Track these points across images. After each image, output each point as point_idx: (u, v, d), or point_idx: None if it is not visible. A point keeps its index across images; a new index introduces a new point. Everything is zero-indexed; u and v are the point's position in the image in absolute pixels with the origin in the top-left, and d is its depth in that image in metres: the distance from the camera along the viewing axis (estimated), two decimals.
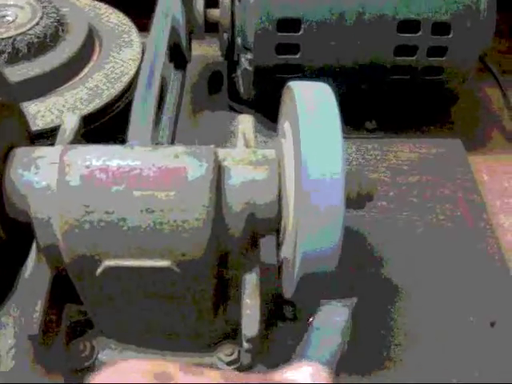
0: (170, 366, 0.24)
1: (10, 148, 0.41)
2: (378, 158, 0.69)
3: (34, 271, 0.43)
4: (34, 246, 0.43)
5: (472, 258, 0.59)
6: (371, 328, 0.52)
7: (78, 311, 0.48)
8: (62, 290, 0.44)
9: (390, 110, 0.72)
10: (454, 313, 0.54)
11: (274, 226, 0.41)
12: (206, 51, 0.82)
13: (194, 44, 0.73)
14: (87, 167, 0.37)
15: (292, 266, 0.38)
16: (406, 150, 0.70)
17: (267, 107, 0.58)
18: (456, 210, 0.63)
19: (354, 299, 0.38)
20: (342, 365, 0.34)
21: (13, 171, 0.40)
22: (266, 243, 0.44)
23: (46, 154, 0.40)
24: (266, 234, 0.42)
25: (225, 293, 0.47)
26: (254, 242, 0.42)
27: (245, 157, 0.41)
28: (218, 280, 0.43)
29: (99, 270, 0.38)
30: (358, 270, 0.56)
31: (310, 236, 0.34)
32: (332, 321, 0.36)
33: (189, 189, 0.37)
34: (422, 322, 0.53)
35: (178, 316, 0.45)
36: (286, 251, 0.40)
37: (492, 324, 0.53)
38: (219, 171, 0.38)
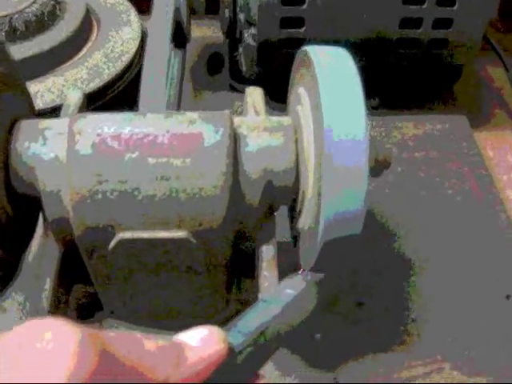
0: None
1: (15, 121, 0.40)
2: (383, 134, 0.68)
3: (40, 249, 0.41)
4: (39, 224, 0.42)
5: (483, 231, 0.58)
6: (386, 303, 0.52)
7: (87, 293, 0.47)
8: (71, 269, 0.43)
9: (393, 87, 0.71)
10: (468, 286, 0.53)
11: (292, 194, 0.39)
12: (204, 33, 0.81)
13: (193, 26, 0.72)
14: (98, 135, 0.36)
15: (313, 234, 0.37)
16: (410, 127, 0.69)
17: (270, 86, 0.57)
18: (464, 184, 0.62)
19: (321, 275, 0.37)
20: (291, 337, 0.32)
21: (19, 143, 0.38)
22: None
23: (53, 125, 0.39)
24: (282, 204, 0.41)
25: (239, 269, 0.45)
26: (270, 213, 0.41)
27: (259, 124, 0.39)
28: (234, 252, 0.41)
29: (112, 244, 0.37)
30: (368, 245, 0.55)
31: (335, 198, 0.33)
32: (282, 293, 0.34)
33: (205, 155, 0.35)
34: (436, 296, 0.52)
35: (191, 292, 0.43)
36: (304, 221, 0.39)
37: (508, 297, 0.52)
38: (235, 138, 0.37)
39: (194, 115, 0.37)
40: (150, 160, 0.35)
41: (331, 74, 0.35)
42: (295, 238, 0.44)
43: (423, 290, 0.53)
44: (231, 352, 0.26)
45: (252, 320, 0.30)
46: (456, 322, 0.50)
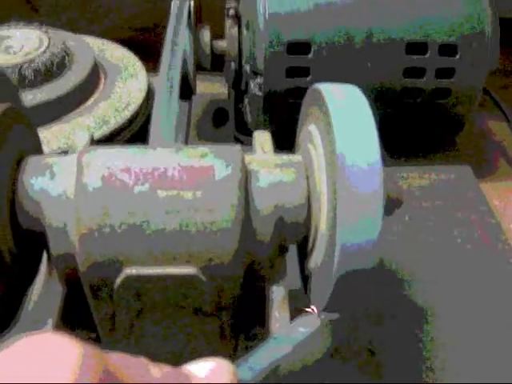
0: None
1: (21, 157, 0.39)
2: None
3: (43, 289, 0.40)
4: (43, 262, 0.41)
5: (495, 278, 0.57)
6: (398, 351, 0.50)
7: (89, 339, 0.45)
8: (73, 312, 0.41)
9: (398, 138, 0.72)
10: (481, 333, 0.51)
11: (303, 231, 0.38)
12: (210, 89, 0.82)
13: (198, 81, 0.73)
14: (108, 168, 0.35)
15: (326, 270, 0.36)
16: (415, 177, 0.69)
17: (275, 136, 0.57)
18: (473, 233, 0.62)
19: (335, 314, 0.36)
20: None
21: (26, 178, 0.37)
22: None
23: (61, 161, 0.38)
24: (293, 242, 0.40)
25: (248, 315, 0.44)
26: (281, 252, 0.40)
27: (270, 160, 0.39)
28: (243, 293, 0.40)
29: (118, 281, 0.36)
30: (380, 293, 0.54)
31: (349, 227, 0.32)
32: (295, 331, 0.33)
33: (216, 188, 0.35)
34: (450, 344, 0.50)
35: (199, 337, 0.42)
36: (316, 258, 0.38)
37: None
38: (246, 173, 0.37)
39: (204, 149, 0.37)
40: (160, 193, 0.35)
41: (343, 106, 0.35)
42: (305, 281, 0.42)
43: (436, 338, 0.51)
44: None
45: (263, 357, 0.29)
46: (472, 370, 0.48)
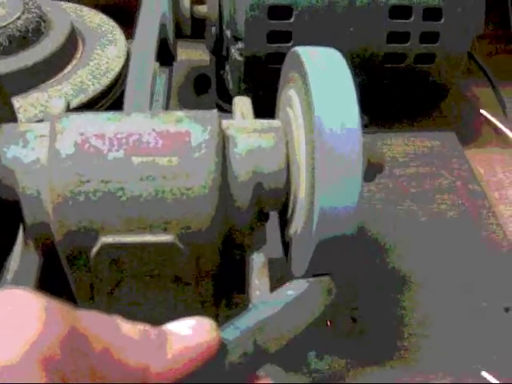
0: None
1: None
2: None
3: (20, 260, 0.39)
4: (20, 233, 0.40)
5: (478, 245, 0.57)
6: (381, 318, 0.50)
7: None
8: (51, 282, 0.41)
9: (382, 104, 0.71)
10: (465, 300, 0.52)
11: (282, 197, 0.38)
12: (191, 56, 0.81)
13: (179, 49, 0.71)
14: (81, 134, 0.34)
15: (306, 236, 0.35)
16: (400, 143, 0.68)
17: (257, 102, 0.56)
18: (457, 199, 0.61)
19: (326, 278, 0.35)
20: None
21: None
22: None
23: (34, 128, 0.37)
24: (272, 209, 0.40)
25: (229, 283, 0.44)
26: (260, 219, 0.39)
27: (248, 125, 0.38)
28: (223, 261, 0.40)
29: (95, 249, 0.35)
30: (363, 260, 0.53)
31: (329, 191, 0.31)
32: (284, 294, 0.33)
33: (193, 154, 0.34)
34: (434, 311, 0.51)
35: (179, 306, 0.41)
36: (296, 224, 0.38)
37: (507, 309, 0.51)
38: (223, 138, 0.36)
39: (180, 114, 0.36)
40: (135, 159, 0.34)
41: (322, 70, 0.35)
42: (286, 248, 0.42)
43: (420, 305, 0.51)
44: (224, 346, 0.24)
45: (251, 318, 0.28)
46: (455, 336, 0.48)
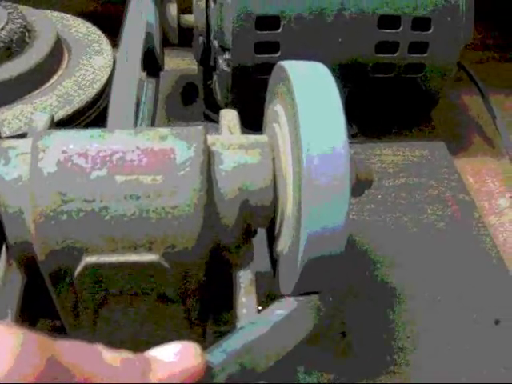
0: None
1: None
2: None
3: (2, 278, 0.38)
4: (3, 251, 0.39)
5: (468, 256, 0.56)
6: (370, 333, 0.49)
7: (53, 327, 0.44)
8: (35, 302, 0.40)
9: (371, 114, 0.70)
10: (455, 312, 0.51)
11: (269, 214, 0.37)
12: (178, 65, 0.80)
13: (167, 57, 0.71)
14: (63, 152, 0.33)
15: (294, 255, 0.35)
16: (389, 154, 0.68)
17: (244, 113, 0.56)
18: (446, 210, 0.61)
19: (315, 296, 0.35)
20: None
21: None
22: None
23: (16, 145, 0.36)
24: (260, 226, 0.39)
25: (215, 300, 0.43)
26: (247, 236, 0.39)
27: (235, 141, 0.38)
28: (209, 279, 0.39)
29: (78, 269, 0.34)
30: (352, 273, 0.53)
31: (316, 212, 0.31)
32: (272, 314, 0.32)
33: (177, 172, 0.33)
34: (423, 324, 0.50)
35: (165, 324, 0.40)
36: (283, 242, 0.37)
37: (497, 322, 0.50)
38: (209, 155, 0.35)
39: (164, 131, 0.35)
40: (119, 178, 0.33)
41: (309, 87, 0.34)
42: (274, 265, 0.42)
43: (410, 318, 0.50)
44: (209, 370, 0.23)
45: (238, 339, 0.28)
46: (445, 349, 0.48)
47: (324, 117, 0.33)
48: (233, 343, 0.28)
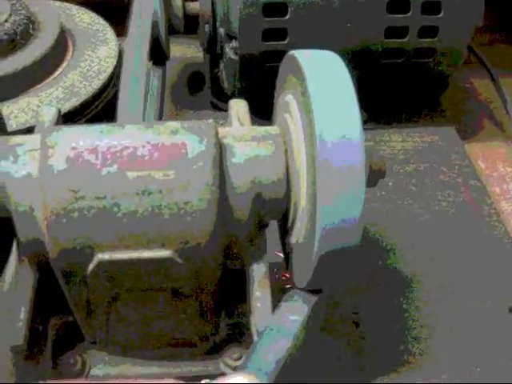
0: None
1: None
2: None
3: (14, 276, 0.38)
4: (13, 249, 0.39)
5: (481, 243, 0.56)
6: (384, 322, 0.49)
7: (66, 323, 0.44)
8: (47, 298, 0.40)
9: (381, 100, 0.69)
10: (468, 300, 0.51)
11: (282, 207, 0.37)
12: (184, 52, 0.79)
13: (173, 45, 0.70)
14: (73, 148, 0.33)
15: (308, 247, 0.34)
16: (399, 140, 0.67)
17: (253, 102, 0.55)
18: (458, 196, 0.61)
19: (315, 297, 0.35)
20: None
21: None
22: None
23: (25, 142, 0.36)
24: (273, 218, 0.39)
25: (228, 292, 0.43)
26: (260, 229, 0.38)
27: (246, 133, 0.37)
28: (223, 273, 0.39)
29: (91, 266, 0.34)
30: (364, 262, 0.53)
31: (331, 204, 0.30)
32: (287, 320, 0.33)
33: (189, 167, 0.33)
34: (437, 312, 0.50)
35: (179, 318, 0.40)
36: (297, 234, 0.37)
37: (511, 309, 0.50)
38: (221, 148, 0.35)
39: (176, 125, 0.34)
40: (130, 174, 0.33)
41: (321, 77, 0.33)
42: (287, 256, 0.41)
43: (423, 307, 0.50)
44: None
45: (268, 355, 0.29)
46: (459, 338, 0.48)
47: (338, 106, 0.32)
48: (264, 359, 0.29)
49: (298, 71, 0.35)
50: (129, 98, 0.43)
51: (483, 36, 0.85)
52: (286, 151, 0.36)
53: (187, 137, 0.34)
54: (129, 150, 0.33)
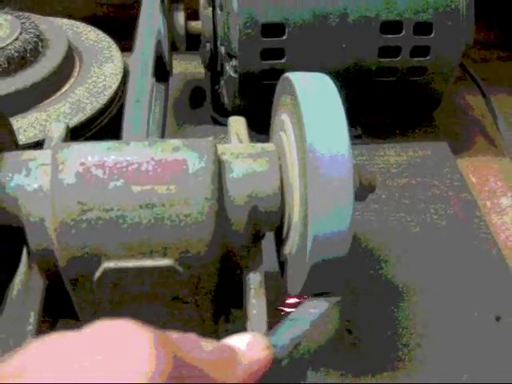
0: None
1: None
2: (366, 162, 0.68)
3: (24, 283, 0.40)
4: (23, 257, 0.41)
5: (470, 255, 0.58)
6: (375, 330, 0.51)
7: (72, 326, 0.46)
8: (55, 303, 0.42)
9: (374, 116, 0.72)
10: (457, 309, 0.53)
11: (277, 219, 0.39)
12: (186, 68, 0.82)
13: (174, 61, 0.72)
14: (82, 164, 0.35)
15: (300, 257, 0.36)
16: (392, 154, 0.70)
17: (252, 118, 0.58)
18: (449, 209, 0.63)
19: (337, 298, 0.38)
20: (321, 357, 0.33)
21: (1, 175, 0.38)
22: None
23: (36, 156, 0.39)
24: (268, 230, 0.41)
25: (227, 299, 0.45)
26: (256, 240, 0.41)
27: (243, 150, 0.40)
28: (221, 281, 0.41)
29: (97, 274, 0.36)
30: (357, 272, 0.55)
31: (321, 217, 0.33)
32: (307, 312, 0.35)
33: (190, 181, 0.35)
34: (426, 321, 0.52)
35: (179, 324, 0.42)
36: (291, 245, 0.39)
37: (498, 318, 0.52)
38: (219, 164, 0.37)
39: (177, 142, 0.37)
40: (135, 188, 0.35)
41: (313, 96, 0.36)
42: (282, 266, 0.43)
43: (413, 315, 0.52)
44: (275, 361, 0.26)
45: (284, 335, 0.31)
46: (448, 346, 0.50)
47: (328, 124, 0.34)
48: (280, 338, 0.30)
49: (292, 93, 0.38)
50: (133, 114, 0.46)
51: (476, 53, 0.88)
52: (280, 167, 0.39)
53: (188, 154, 0.36)
54: (134, 165, 0.35)
